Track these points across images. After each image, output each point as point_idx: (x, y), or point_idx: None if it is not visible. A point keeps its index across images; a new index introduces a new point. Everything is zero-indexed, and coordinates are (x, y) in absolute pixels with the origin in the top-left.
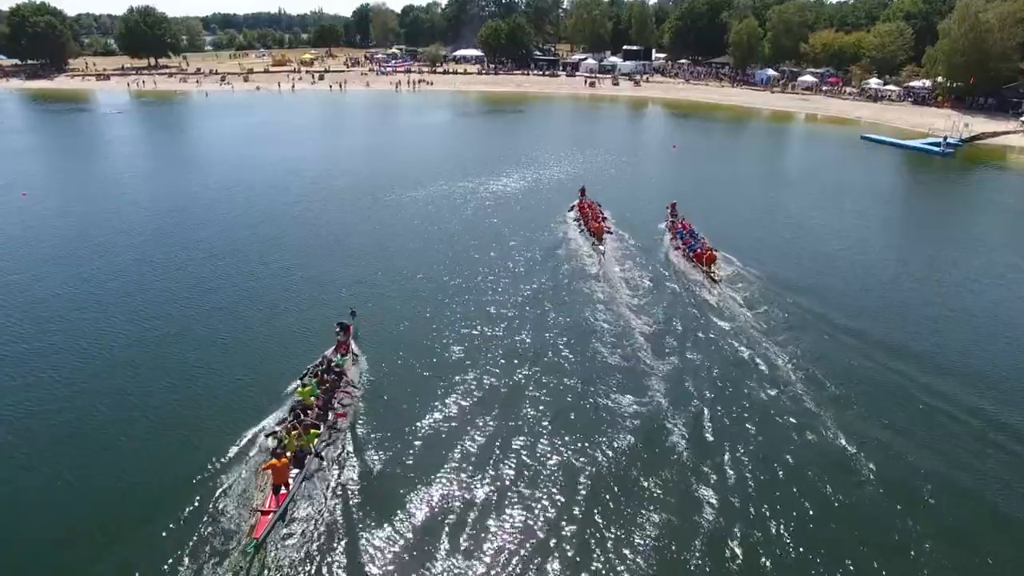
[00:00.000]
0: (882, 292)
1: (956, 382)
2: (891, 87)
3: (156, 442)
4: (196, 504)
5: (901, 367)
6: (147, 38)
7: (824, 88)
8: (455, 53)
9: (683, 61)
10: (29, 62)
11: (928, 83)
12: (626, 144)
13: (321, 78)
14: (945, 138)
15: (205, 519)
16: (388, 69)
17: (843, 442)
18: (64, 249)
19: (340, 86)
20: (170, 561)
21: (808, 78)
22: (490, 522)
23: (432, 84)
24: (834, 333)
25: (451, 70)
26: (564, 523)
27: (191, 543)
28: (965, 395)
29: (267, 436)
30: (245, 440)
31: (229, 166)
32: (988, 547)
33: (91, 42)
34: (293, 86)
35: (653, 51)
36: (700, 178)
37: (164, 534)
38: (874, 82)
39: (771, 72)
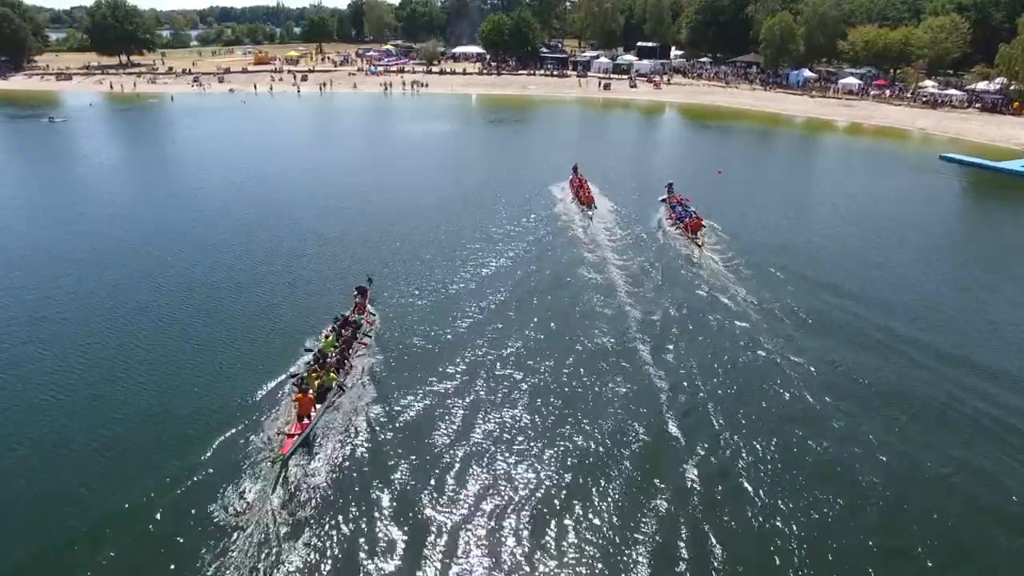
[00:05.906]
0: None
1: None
2: (953, 91)
3: (202, 381)
4: (235, 429)
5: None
6: (116, 33)
7: (873, 92)
8: (454, 50)
9: (704, 60)
10: None
11: (994, 86)
12: (658, 165)
13: (304, 79)
14: None
15: (242, 441)
16: (379, 68)
17: (796, 366)
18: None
19: (322, 88)
20: (212, 471)
21: (851, 80)
22: (489, 450)
23: (427, 86)
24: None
25: (449, 69)
26: (551, 442)
27: (230, 458)
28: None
29: (293, 377)
30: (276, 381)
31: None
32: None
33: (68, 36)
34: (271, 88)
35: (671, 48)
36: (759, 217)
37: (208, 452)
38: (931, 85)
39: (808, 73)
